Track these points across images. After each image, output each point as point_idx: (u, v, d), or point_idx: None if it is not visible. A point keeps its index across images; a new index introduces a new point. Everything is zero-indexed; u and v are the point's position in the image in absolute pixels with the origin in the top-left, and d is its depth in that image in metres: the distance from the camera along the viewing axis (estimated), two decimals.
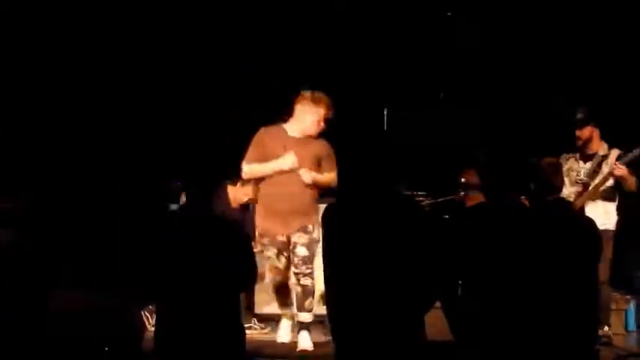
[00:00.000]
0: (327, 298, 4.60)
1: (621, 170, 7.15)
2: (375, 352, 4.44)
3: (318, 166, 7.06)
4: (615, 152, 7.32)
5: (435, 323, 4.86)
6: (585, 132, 7.37)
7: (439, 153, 9.00)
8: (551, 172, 5.51)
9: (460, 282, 4.81)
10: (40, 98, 8.84)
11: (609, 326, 7.15)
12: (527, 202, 5.52)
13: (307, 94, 7.08)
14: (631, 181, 7.19)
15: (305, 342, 6.82)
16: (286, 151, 6.94)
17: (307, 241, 6.87)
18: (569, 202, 5.90)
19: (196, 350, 4.84)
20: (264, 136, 7.10)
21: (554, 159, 5.98)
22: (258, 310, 8.42)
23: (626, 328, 7.83)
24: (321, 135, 7.10)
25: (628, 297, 7.97)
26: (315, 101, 7.05)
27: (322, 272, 4.67)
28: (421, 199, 8.09)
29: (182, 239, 4.95)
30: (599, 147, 7.38)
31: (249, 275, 5.07)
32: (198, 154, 8.49)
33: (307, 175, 6.94)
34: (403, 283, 4.44)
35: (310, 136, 7.08)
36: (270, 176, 6.99)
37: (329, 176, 7.08)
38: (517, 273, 4.72)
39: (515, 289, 4.72)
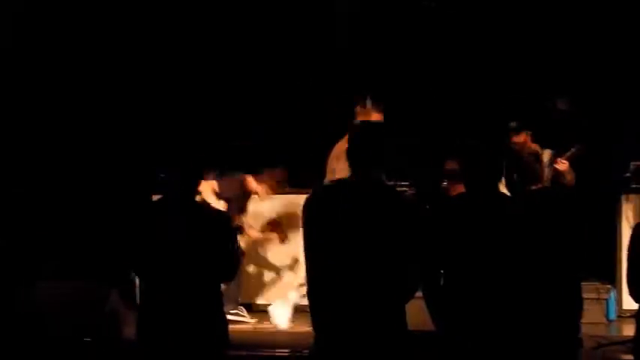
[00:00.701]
0: (308, 288, 4.61)
1: (564, 165, 7.81)
2: (355, 342, 4.44)
3: None
4: (547, 152, 7.83)
5: (417, 313, 4.87)
6: (520, 137, 8.07)
7: (422, 143, 9.02)
8: (533, 162, 5.54)
9: (442, 271, 4.83)
10: (21, 90, 8.82)
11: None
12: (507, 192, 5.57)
13: (368, 103, 7.47)
14: (570, 177, 7.75)
15: None
16: None
17: None
18: (551, 191, 5.92)
19: (178, 338, 4.84)
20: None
21: (534, 149, 6.03)
22: (245, 301, 8.44)
23: (607, 317, 7.86)
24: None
25: (609, 286, 8.01)
26: (376, 109, 7.46)
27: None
28: (404, 189, 8.10)
29: (165, 228, 4.94)
30: (534, 148, 7.77)
31: (232, 265, 5.06)
32: (182, 143, 8.49)
33: None
34: (384, 272, 4.44)
35: None
36: None
37: None
38: (499, 262, 4.74)
39: (497, 278, 4.74)
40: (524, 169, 5.51)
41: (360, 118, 7.42)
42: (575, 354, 5.26)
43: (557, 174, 7.85)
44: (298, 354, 6.40)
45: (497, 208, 4.86)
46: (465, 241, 4.74)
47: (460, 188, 7.33)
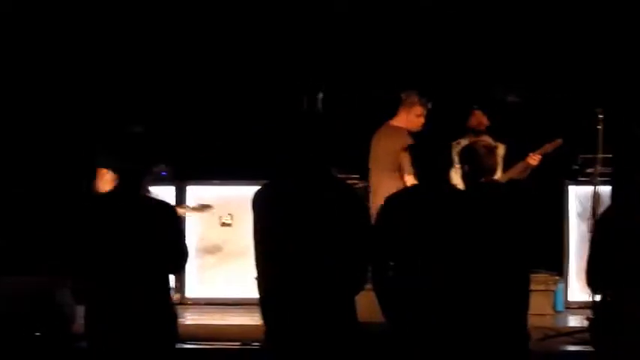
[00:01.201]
0: (258, 281, 4.60)
1: (536, 160, 7.82)
2: (305, 335, 4.45)
3: None
4: (502, 146, 7.88)
5: (367, 305, 4.88)
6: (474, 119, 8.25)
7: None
8: (485, 154, 5.56)
9: (391, 263, 4.84)
10: None
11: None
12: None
13: (412, 93, 7.71)
14: (528, 172, 7.87)
15: None
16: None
17: None
18: (502, 183, 5.96)
19: (126, 332, 4.81)
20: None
21: (487, 142, 6.05)
22: (189, 295, 8.41)
23: (554, 308, 7.94)
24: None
25: (557, 278, 8.08)
26: (421, 103, 7.71)
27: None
28: (354, 182, 8.10)
29: (112, 221, 4.91)
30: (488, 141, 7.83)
31: (180, 258, 5.04)
32: (130, 138, 8.45)
33: None
34: (334, 264, 4.45)
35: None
36: None
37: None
38: (448, 253, 4.76)
39: (446, 269, 4.76)
40: (478, 161, 5.53)
41: (406, 110, 7.69)
42: (524, 346, 5.29)
43: (525, 168, 7.93)
44: (249, 347, 6.39)
45: (448, 200, 4.88)
46: (414, 232, 4.77)
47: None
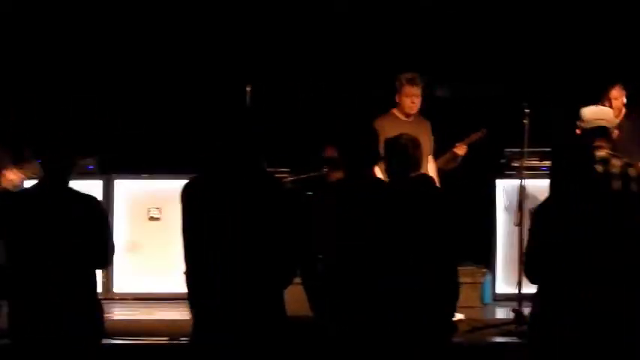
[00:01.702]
0: (187, 276, 4.57)
1: (463, 149, 7.96)
2: (234, 329, 4.43)
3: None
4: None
5: (296, 299, 4.88)
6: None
7: (303, 129, 9.04)
8: (411, 148, 5.59)
9: (320, 257, 4.84)
10: None
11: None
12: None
13: (402, 76, 7.41)
14: (458, 161, 8.02)
15: None
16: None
17: None
18: (430, 177, 5.99)
19: (51, 328, 4.75)
20: (384, 124, 7.13)
21: (412, 135, 6.07)
22: (117, 290, 8.34)
23: (482, 300, 8.02)
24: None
25: (484, 270, 8.16)
26: (407, 81, 7.38)
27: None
28: (284, 175, 8.11)
29: (37, 215, 4.85)
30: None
31: (106, 252, 4.99)
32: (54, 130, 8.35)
33: None
34: (262, 258, 4.44)
35: (416, 116, 7.45)
36: None
37: (433, 165, 7.52)
38: (374, 247, 4.78)
39: (373, 263, 4.78)
40: (403, 154, 5.56)
41: (398, 94, 7.42)
42: (448, 338, 5.34)
43: (452, 158, 8.03)
44: (177, 342, 6.36)
45: (374, 194, 4.90)
46: (342, 226, 4.78)
47: (340, 175, 7.41)
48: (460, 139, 8.05)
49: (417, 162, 5.59)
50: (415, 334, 5.00)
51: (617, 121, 5.80)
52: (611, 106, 7.56)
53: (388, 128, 7.17)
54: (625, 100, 7.75)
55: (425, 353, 5.17)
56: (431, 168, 7.39)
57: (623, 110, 7.74)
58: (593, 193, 4.86)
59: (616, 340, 4.63)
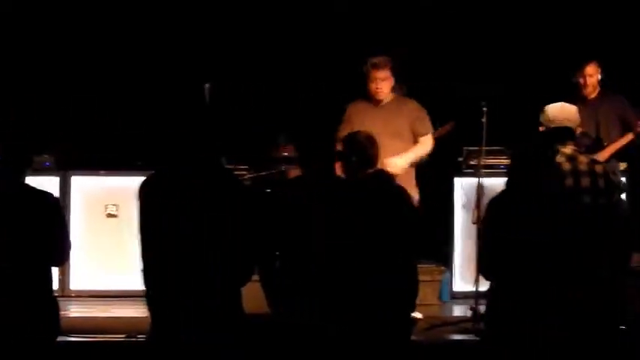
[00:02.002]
0: (144, 273, 4.55)
1: None
2: (191, 327, 4.41)
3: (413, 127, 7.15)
4: None
5: (254, 296, 4.87)
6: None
7: (262, 127, 9.02)
8: (369, 145, 5.58)
9: (277, 254, 4.84)
10: None
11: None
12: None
13: (368, 61, 7.14)
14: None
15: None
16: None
17: None
18: (388, 174, 5.98)
19: (4, 325, 4.71)
20: (351, 111, 7.15)
21: (368, 132, 6.06)
22: (73, 287, 8.28)
23: (440, 298, 8.04)
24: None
25: (442, 268, 8.19)
26: (370, 65, 7.12)
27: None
28: (243, 172, 8.09)
29: None
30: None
31: (63, 250, 4.95)
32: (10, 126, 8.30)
33: (397, 167, 6.87)
34: (219, 256, 4.42)
35: (392, 100, 7.19)
36: None
37: (421, 147, 7.17)
38: (333, 244, 4.78)
39: (330, 260, 4.78)
40: (359, 152, 5.55)
41: (371, 78, 7.11)
42: (408, 335, 5.35)
43: None
44: (134, 339, 6.32)
45: (332, 191, 4.90)
46: (300, 223, 4.77)
47: (297, 171, 7.40)
48: None
49: (374, 159, 5.57)
50: (373, 330, 5.01)
51: (579, 121, 5.76)
52: (585, 83, 7.58)
53: (354, 116, 7.14)
54: (600, 77, 7.64)
55: (386, 351, 5.18)
56: (419, 149, 7.19)
57: (598, 88, 7.65)
58: (553, 191, 4.89)
59: (587, 338, 4.68)
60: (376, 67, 7.11)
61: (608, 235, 5.25)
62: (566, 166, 5.44)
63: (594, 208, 5.31)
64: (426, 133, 7.25)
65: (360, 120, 7.06)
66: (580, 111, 7.02)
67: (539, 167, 4.98)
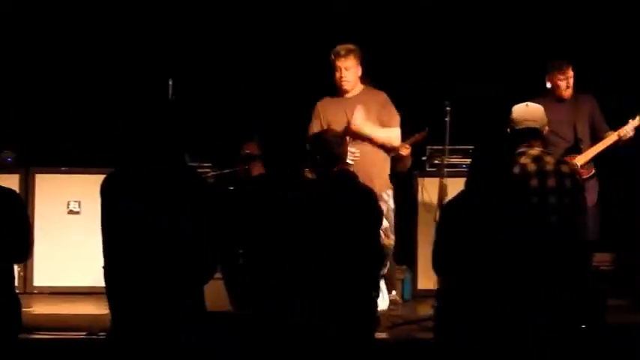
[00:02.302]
0: (105, 270, 4.54)
1: (407, 150, 7.72)
2: (153, 324, 4.41)
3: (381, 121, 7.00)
4: None
5: (216, 293, 4.87)
6: None
7: (226, 124, 9.01)
8: (335, 144, 5.61)
9: (241, 252, 4.84)
10: None
11: (395, 291, 7.48)
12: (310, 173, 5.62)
13: (333, 51, 6.99)
14: (407, 163, 7.83)
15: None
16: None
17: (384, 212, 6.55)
18: (352, 172, 6.00)
19: None
20: (321, 106, 7.02)
21: (336, 131, 6.09)
22: (36, 283, 8.23)
23: (402, 297, 8.07)
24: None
25: (404, 267, 8.22)
26: (333, 54, 6.98)
27: None
28: (206, 170, 8.07)
29: None
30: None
31: (25, 246, 4.93)
32: None
33: (359, 119, 6.76)
34: (182, 253, 4.42)
35: (360, 92, 7.05)
36: None
37: (386, 131, 7.03)
38: (297, 242, 4.79)
39: (294, 258, 4.79)
40: (325, 151, 5.58)
41: (335, 68, 6.97)
42: (371, 334, 5.37)
43: (397, 159, 7.77)
44: (95, 337, 6.29)
45: (296, 189, 4.91)
46: (263, 221, 4.78)
47: (260, 169, 7.41)
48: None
49: (342, 157, 5.60)
50: (337, 327, 5.03)
51: (546, 121, 5.78)
52: (567, 85, 7.38)
53: (322, 111, 7.05)
54: (571, 78, 7.39)
55: (351, 348, 5.20)
56: (383, 131, 7.04)
57: (571, 90, 7.40)
58: (510, 193, 4.93)
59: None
60: (339, 55, 6.97)
61: (573, 234, 5.32)
62: (532, 167, 5.49)
63: (560, 208, 5.37)
64: (393, 126, 7.12)
65: (327, 114, 7.02)
66: (558, 112, 7.06)
67: (499, 168, 5.02)
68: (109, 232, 4.51)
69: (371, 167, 6.83)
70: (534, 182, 5.46)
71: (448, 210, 4.92)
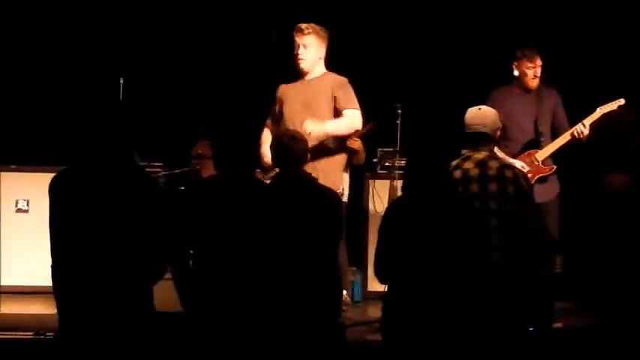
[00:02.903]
0: (53, 269, 4.51)
1: (356, 143, 7.41)
2: (100, 324, 4.38)
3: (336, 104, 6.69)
4: None
5: (165, 294, 4.85)
6: None
7: (177, 124, 8.97)
8: (292, 143, 5.60)
9: (191, 252, 4.82)
10: None
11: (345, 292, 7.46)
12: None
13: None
14: (362, 156, 7.50)
15: None
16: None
17: None
18: (307, 173, 6.00)
19: None
20: (280, 90, 6.84)
21: (295, 131, 6.07)
22: (5, 282, 8.15)
23: (352, 299, 8.08)
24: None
25: (354, 269, 8.23)
26: (295, 30, 6.67)
27: None
28: (157, 169, 8.04)
29: None
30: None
31: None
32: None
33: (311, 126, 6.43)
34: (130, 253, 4.40)
35: (317, 76, 6.76)
36: None
37: (343, 119, 6.75)
38: (247, 243, 4.78)
39: (246, 259, 4.78)
40: (284, 150, 5.57)
41: (297, 44, 6.66)
42: (340, 335, 5.39)
43: (351, 153, 7.76)
44: (42, 337, 6.23)
45: (247, 189, 4.90)
46: (213, 221, 4.77)
47: (211, 169, 7.37)
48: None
49: (299, 157, 5.56)
50: (303, 330, 5.03)
51: (498, 125, 5.80)
52: (535, 74, 7.28)
53: (280, 95, 6.89)
54: (540, 67, 7.18)
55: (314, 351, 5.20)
56: (340, 121, 6.83)
57: (537, 80, 7.18)
58: (443, 197, 4.94)
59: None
60: (298, 30, 6.68)
61: (515, 239, 5.36)
62: (474, 171, 5.53)
63: (500, 213, 5.41)
64: (351, 107, 6.82)
65: (284, 98, 6.85)
66: (522, 103, 7.00)
67: (435, 173, 5.01)
68: (57, 232, 4.48)
69: (326, 165, 6.79)
70: (475, 187, 5.50)
71: (387, 217, 4.94)
